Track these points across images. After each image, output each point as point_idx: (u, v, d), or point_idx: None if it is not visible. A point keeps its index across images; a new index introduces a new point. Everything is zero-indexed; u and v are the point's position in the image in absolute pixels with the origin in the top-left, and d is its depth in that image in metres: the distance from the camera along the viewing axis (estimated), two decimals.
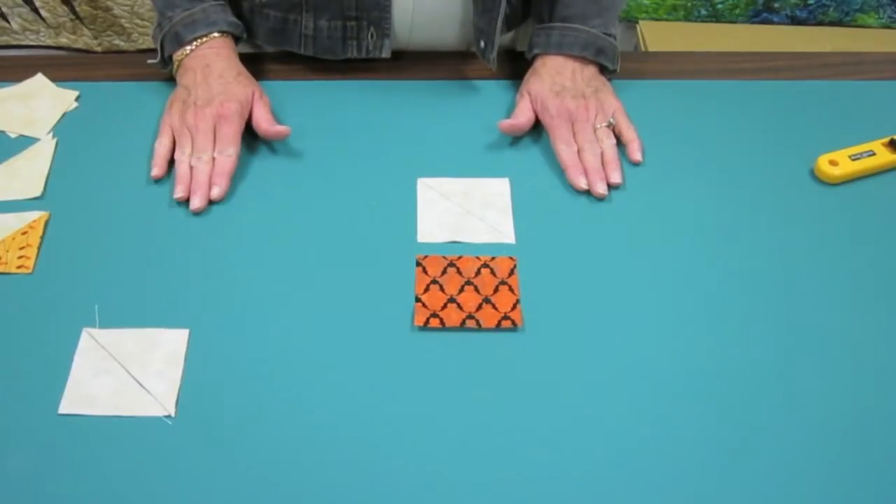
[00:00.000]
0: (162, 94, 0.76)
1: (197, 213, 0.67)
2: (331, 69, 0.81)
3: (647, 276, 0.64)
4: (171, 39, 0.74)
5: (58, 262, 0.64)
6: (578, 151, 0.72)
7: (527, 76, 0.78)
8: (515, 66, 0.82)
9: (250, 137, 0.74)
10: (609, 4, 0.77)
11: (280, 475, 0.53)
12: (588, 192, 0.70)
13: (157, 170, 0.70)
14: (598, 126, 0.74)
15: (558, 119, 0.73)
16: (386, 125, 0.76)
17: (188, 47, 0.73)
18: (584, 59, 0.76)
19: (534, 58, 0.79)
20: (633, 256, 0.66)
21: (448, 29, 0.82)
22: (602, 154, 0.72)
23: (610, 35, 0.77)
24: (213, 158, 0.69)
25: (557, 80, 0.75)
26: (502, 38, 0.86)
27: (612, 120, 0.74)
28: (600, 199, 0.69)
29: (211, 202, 0.68)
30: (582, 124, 0.73)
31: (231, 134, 0.70)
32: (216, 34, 0.74)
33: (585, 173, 0.70)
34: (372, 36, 0.78)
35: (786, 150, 0.75)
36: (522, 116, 0.74)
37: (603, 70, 0.78)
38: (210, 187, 0.68)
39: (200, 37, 0.73)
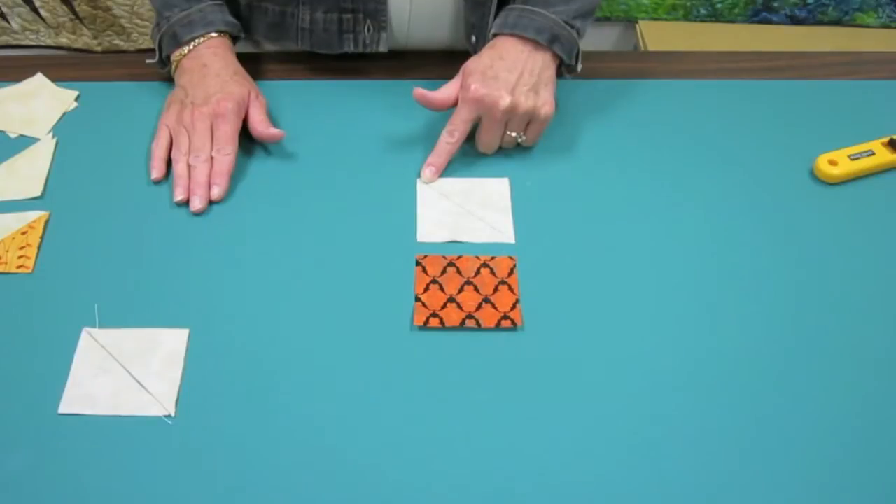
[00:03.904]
0: (161, 95, 0.76)
1: (197, 214, 0.67)
2: (330, 69, 0.81)
3: (646, 275, 0.64)
4: (169, 39, 0.74)
5: (58, 261, 0.64)
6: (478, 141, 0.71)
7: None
8: None
9: (249, 138, 0.74)
10: None
11: (280, 475, 0.53)
12: (587, 192, 0.70)
13: (156, 172, 0.70)
14: (507, 133, 0.71)
15: (467, 104, 0.68)
16: (385, 125, 0.76)
17: (186, 47, 0.73)
18: (536, 44, 0.70)
19: (491, 39, 0.73)
20: (633, 256, 0.66)
21: (446, 26, 0.82)
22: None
23: (572, 27, 0.72)
24: (212, 158, 0.69)
25: (497, 64, 0.68)
26: None
27: (521, 137, 0.71)
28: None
29: (211, 202, 0.68)
30: (489, 123, 0.69)
31: (228, 132, 0.70)
32: (213, 34, 0.74)
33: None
34: (368, 29, 0.78)
35: (785, 150, 0.75)
36: (442, 92, 0.70)
37: (561, 65, 0.73)
38: (210, 187, 0.68)
39: (198, 37, 0.73)
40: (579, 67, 0.75)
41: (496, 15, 0.77)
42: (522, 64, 0.69)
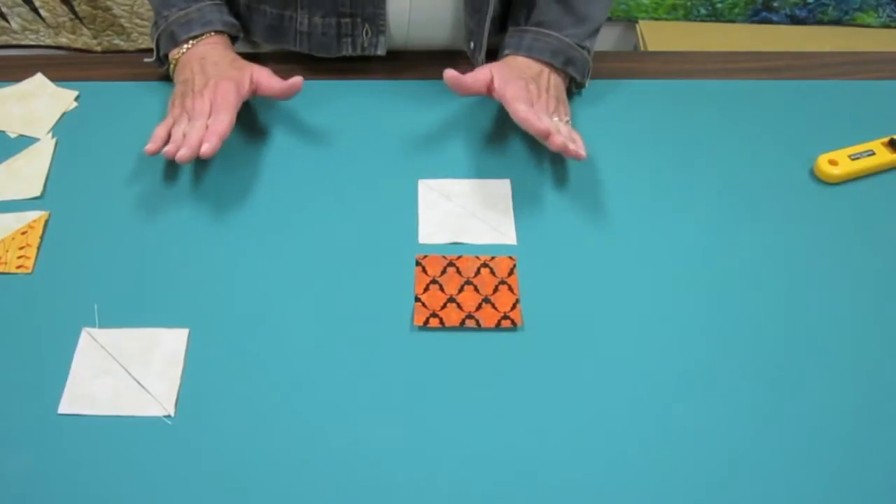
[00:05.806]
0: (161, 94, 0.76)
1: (182, 163, 0.63)
2: (331, 69, 0.81)
3: (646, 275, 0.64)
4: (167, 38, 0.74)
5: (58, 262, 0.64)
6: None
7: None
8: None
9: (250, 137, 0.74)
10: (586, 17, 0.76)
11: (280, 475, 0.53)
12: (587, 192, 0.70)
13: (152, 145, 0.65)
14: (557, 120, 0.71)
15: (519, 94, 0.67)
16: (386, 126, 0.76)
17: (183, 46, 0.73)
18: (552, 67, 0.74)
19: (504, 58, 0.76)
20: (633, 256, 0.66)
21: (445, 28, 0.82)
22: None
23: (584, 48, 0.76)
24: (207, 126, 0.66)
25: (525, 73, 0.72)
26: (495, 42, 0.86)
27: (569, 120, 0.73)
28: (578, 158, 0.66)
29: (213, 202, 0.68)
30: (541, 109, 0.70)
31: (225, 104, 0.67)
32: (211, 34, 0.74)
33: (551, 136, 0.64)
34: (367, 33, 0.78)
35: (786, 150, 0.75)
36: (472, 75, 0.69)
37: (571, 82, 0.77)
38: (201, 145, 0.64)
39: (195, 36, 0.73)
40: (588, 83, 0.78)
41: (500, 25, 0.78)
42: (545, 79, 0.73)
